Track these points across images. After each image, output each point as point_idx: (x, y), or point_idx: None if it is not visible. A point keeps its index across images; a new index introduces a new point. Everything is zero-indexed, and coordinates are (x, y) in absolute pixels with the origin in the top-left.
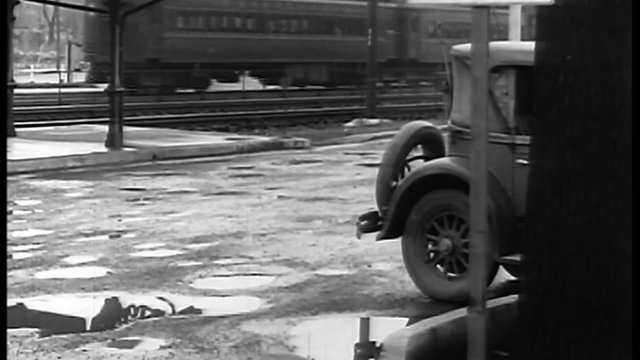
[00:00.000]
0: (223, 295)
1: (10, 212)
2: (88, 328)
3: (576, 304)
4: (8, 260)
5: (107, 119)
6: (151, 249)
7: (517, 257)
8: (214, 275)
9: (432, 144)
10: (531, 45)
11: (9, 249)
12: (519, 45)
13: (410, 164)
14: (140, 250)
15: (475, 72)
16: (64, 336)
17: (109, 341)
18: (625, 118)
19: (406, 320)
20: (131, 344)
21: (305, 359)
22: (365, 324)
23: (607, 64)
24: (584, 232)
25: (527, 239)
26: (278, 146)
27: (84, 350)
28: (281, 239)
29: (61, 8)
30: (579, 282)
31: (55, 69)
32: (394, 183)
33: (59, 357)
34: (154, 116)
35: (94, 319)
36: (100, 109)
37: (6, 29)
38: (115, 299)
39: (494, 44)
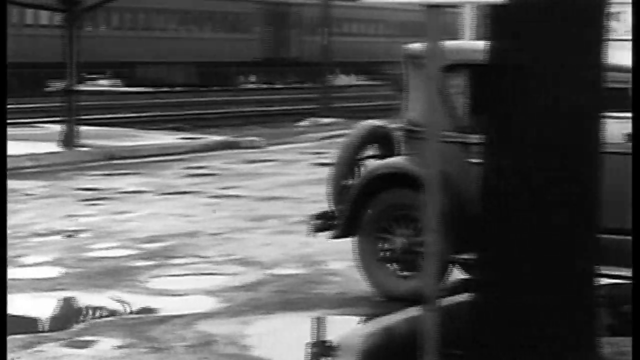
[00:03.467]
0: (178, 295)
1: None
2: (44, 328)
3: (531, 302)
4: None
5: (63, 118)
6: (106, 249)
7: (470, 256)
8: (169, 275)
9: (385, 143)
10: (484, 44)
11: None
12: (472, 44)
13: (363, 163)
14: (96, 250)
15: (428, 71)
16: (20, 337)
17: (65, 341)
18: (588, 118)
19: (359, 319)
20: (87, 344)
21: (260, 359)
22: (319, 323)
23: (565, 64)
24: (539, 231)
25: (481, 238)
26: (232, 145)
27: (40, 351)
28: (236, 238)
29: None
30: (534, 281)
31: None
32: (347, 182)
33: (16, 358)
34: (109, 115)
35: (49, 319)
36: (57, 108)
37: (6, 29)
38: (71, 299)
39: (447, 43)
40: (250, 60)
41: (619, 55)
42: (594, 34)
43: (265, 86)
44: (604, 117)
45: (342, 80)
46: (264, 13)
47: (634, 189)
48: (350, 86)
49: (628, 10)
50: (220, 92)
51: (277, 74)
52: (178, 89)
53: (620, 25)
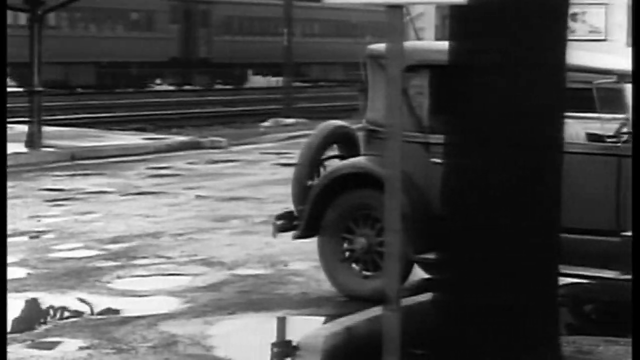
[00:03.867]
0: (141, 296)
1: None
2: (7, 329)
3: (492, 302)
4: None
5: (27, 118)
6: (70, 250)
7: (431, 256)
8: (132, 276)
9: (347, 144)
10: (445, 44)
11: None
12: (433, 44)
13: (326, 163)
14: (59, 250)
15: (389, 72)
16: None
17: (29, 342)
18: (550, 118)
19: (322, 319)
20: (50, 345)
21: (222, 359)
22: (281, 323)
23: (526, 64)
24: (501, 231)
25: (443, 237)
26: (195, 146)
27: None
28: (198, 238)
29: None
30: (495, 280)
31: None
32: (309, 182)
33: None
34: (72, 116)
35: (13, 320)
36: (21, 108)
37: (5, 29)
38: (35, 299)
39: (408, 44)
40: (159, 60)
41: (581, 55)
42: (556, 34)
43: (172, 88)
44: (566, 117)
45: (259, 81)
46: (173, 10)
47: (633, 190)
48: (263, 88)
49: (589, 11)
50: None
51: (186, 75)
52: (145, 89)
53: (582, 26)
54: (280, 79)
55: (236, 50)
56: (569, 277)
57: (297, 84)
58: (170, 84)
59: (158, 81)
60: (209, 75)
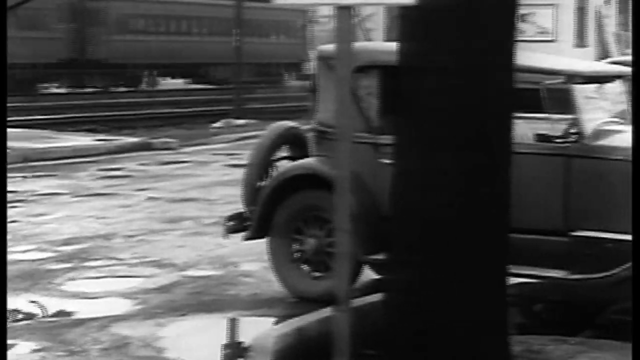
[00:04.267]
0: (93, 298)
1: None
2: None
3: (442, 302)
4: None
5: None
6: (23, 252)
7: (381, 256)
8: (84, 278)
9: (297, 145)
10: (394, 45)
11: None
12: (382, 45)
13: (276, 164)
14: (12, 253)
15: (339, 73)
16: None
17: None
18: (499, 118)
19: (273, 320)
20: None
21: None
22: (233, 324)
23: (475, 65)
24: (448, 231)
25: (393, 238)
26: (146, 147)
27: None
28: (150, 240)
29: None
30: (445, 281)
31: None
32: (260, 183)
33: None
34: (25, 117)
35: None
36: None
37: (5, 29)
38: None
39: (358, 45)
40: (52, 61)
41: (529, 56)
42: (505, 35)
43: (65, 91)
44: (515, 118)
45: (169, 83)
46: (65, 9)
47: (634, 190)
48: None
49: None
50: (136, 93)
51: (82, 77)
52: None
53: (531, 27)
54: (187, 80)
55: (137, 51)
56: (519, 276)
57: (202, 85)
58: (62, 87)
59: (45, 84)
60: (105, 77)
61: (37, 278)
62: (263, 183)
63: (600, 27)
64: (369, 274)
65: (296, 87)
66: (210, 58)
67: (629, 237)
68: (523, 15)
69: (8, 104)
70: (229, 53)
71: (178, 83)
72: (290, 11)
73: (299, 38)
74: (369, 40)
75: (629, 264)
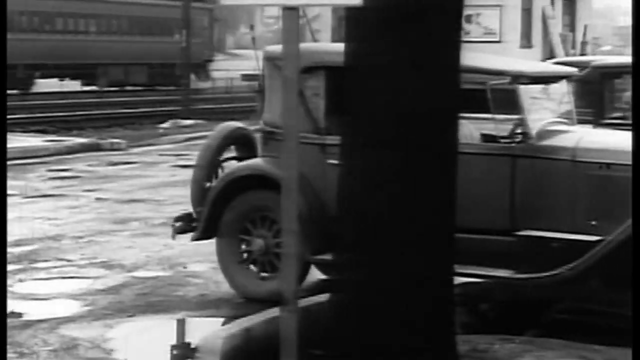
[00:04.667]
0: (42, 299)
1: None
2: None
3: (388, 301)
4: None
5: None
6: None
7: (328, 256)
8: (34, 279)
9: (245, 145)
10: (341, 46)
11: None
12: (329, 46)
13: (224, 165)
14: None
15: (286, 73)
16: None
17: None
18: (444, 118)
19: (221, 320)
20: None
21: None
22: (181, 325)
23: (420, 65)
24: (394, 231)
25: (339, 238)
26: (95, 148)
27: None
28: (99, 241)
29: None
30: (391, 280)
31: None
32: (207, 184)
33: None
34: None
35: None
36: None
37: (5, 29)
38: None
39: (304, 45)
40: None
41: (475, 56)
42: (450, 35)
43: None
44: (460, 118)
45: (46, 85)
46: None
47: (634, 190)
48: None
49: (484, 13)
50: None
51: None
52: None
53: (477, 28)
54: (77, 82)
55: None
56: (465, 276)
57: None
58: None
59: None
60: None
61: None
62: (211, 184)
63: (545, 28)
64: (316, 274)
65: (206, 89)
66: (101, 58)
67: (573, 237)
68: (469, 16)
69: None
70: (119, 53)
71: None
72: (193, 8)
73: (205, 37)
74: (316, 41)
75: (574, 263)
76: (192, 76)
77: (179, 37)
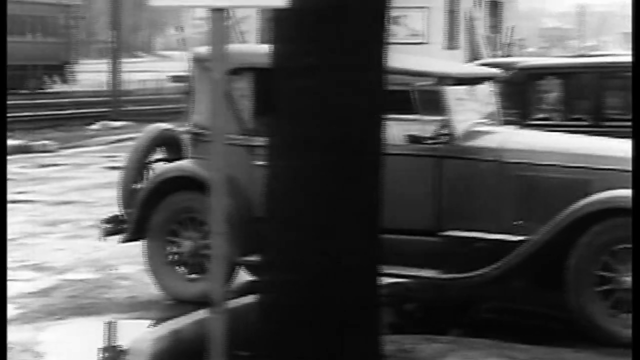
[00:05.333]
0: None
1: None
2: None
3: (315, 302)
4: None
5: None
6: None
7: (255, 258)
8: None
9: (173, 147)
10: (268, 48)
11: None
12: (256, 47)
13: (152, 166)
14: None
15: (213, 75)
16: None
17: None
18: (370, 119)
19: (149, 323)
20: None
21: None
22: (110, 327)
23: (345, 67)
24: (320, 232)
25: (266, 239)
26: (25, 150)
27: None
28: (29, 243)
29: None
30: (317, 281)
31: None
32: (136, 186)
33: None
34: None
35: None
36: None
37: (5, 29)
38: None
39: (232, 47)
40: None
41: (401, 58)
42: (376, 37)
43: None
44: (386, 119)
45: None
46: None
47: (634, 190)
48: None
49: (410, 15)
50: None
51: None
52: None
53: (403, 29)
54: None
55: None
56: (391, 276)
57: None
58: None
59: None
60: None
61: None
62: (139, 185)
63: (470, 30)
64: (244, 276)
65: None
66: None
67: (498, 237)
68: (394, 17)
69: None
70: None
71: None
72: (49, 6)
73: (63, 37)
74: (243, 42)
75: (499, 263)
76: (54, 78)
77: (32, 36)
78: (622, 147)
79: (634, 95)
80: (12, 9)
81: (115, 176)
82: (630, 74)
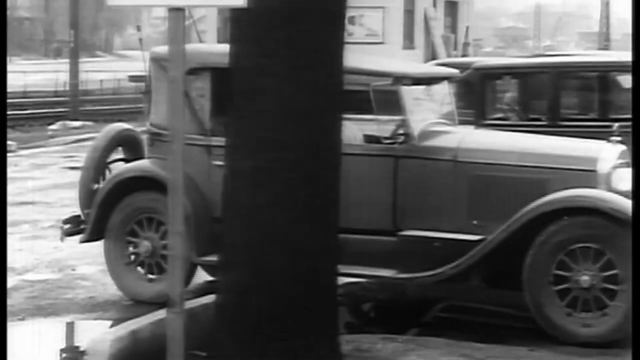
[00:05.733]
0: None
1: None
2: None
3: (274, 302)
4: None
5: None
6: None
7: (214, 258)
8: None
9: (131, 147)
10: (226, 47)
11: None
12: (214, 47)
13: (111, 166)
14: None
15: (171, 74)
16: None
17: None
18: (327, 119)
19: (109, 323)
20: None
21: None
22: (69, 328)
23: (303, 66)
24: (278, 232)
25: (224, 240)
26: None
27: None
28: None
29: None
30: (275, 281)
31: None
32: (95, 186)
33: None
34: None
35: None
36: None
37: (6, 29)
38: None
39: (190, 46)
40: None
41: (358, 58)
42: (333, 37)
43: None
44: (343, 119)
45: None
46: None
47: (634, 190)
48: None
49: (367, 15)
50: None
51: None
52: None
53: (360, 29)
54: None
55: None
56: (348, 276)
57: None
58: None
59: None
60: None
61: None
62: (98, 185)
63: (428, 30)
64: (202, 276)
65: None
66: None
67: (455, 236)
68: (352, 17)
69: None
70: None
71: None
72: None
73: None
74: (202, 42)
75: (455, 263)
76: None
77: None
78: (578, 147)
79: (634, 95)
80: None
81: (75, 176)
82: (587, 74)
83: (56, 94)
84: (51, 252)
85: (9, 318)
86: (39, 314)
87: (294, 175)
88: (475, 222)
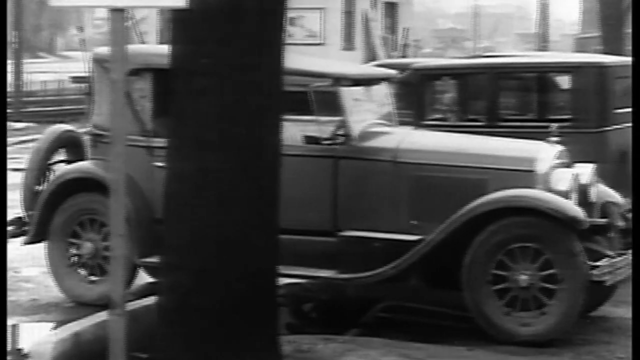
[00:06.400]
0: None
1: None
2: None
3: (218, 303)
4: None
5: None
6: None
7: (155, 259)
8: None
9: (74, 148)
10: (168, 48)
11: None
12: (156, 48)
13: (54, 168)
14: None
15: (113, 75)
16: None
17: None
18: (266, 120)
19: (51, 325)
20: None
21: None
22: (13, 330)
23: (243, 67)
24: (219, 233)
25: (166, 241)
26: None
27: None
28: None
29: None
30: (216, 282)
31: None
32: (38, 187)
33: None
34: None
35: None
36: None
37: (6, 29)
38: None
39: (132, 47)
40: None
41: (298, 59)
42: (272, 38)
43: None
44: (283, 120)
45: None
46: None
47: (634, 190)
48: None
49: (306, 16)
50: None
51: None
52: None
53: (300, 30)
54: None
55: None
56: (288, 277)
57: None
58: None
59: None
60: None
61: None
62: (41, 187)
63: (367, 31)
64: (144, 277)
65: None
66: None
67: (395, 236)
68: (291, 18)
69: None
70: None
71: None
72: None
73: None
74: (143, 43)
75: (395, 263)
76: None
77: None
78: (516, 147)
79: (634, 95)
80: None
81: (18, 178)
82: (525, 74)
83: None
84: None
85: None
86: None
87: (234, 176)
88: (414, 222)
